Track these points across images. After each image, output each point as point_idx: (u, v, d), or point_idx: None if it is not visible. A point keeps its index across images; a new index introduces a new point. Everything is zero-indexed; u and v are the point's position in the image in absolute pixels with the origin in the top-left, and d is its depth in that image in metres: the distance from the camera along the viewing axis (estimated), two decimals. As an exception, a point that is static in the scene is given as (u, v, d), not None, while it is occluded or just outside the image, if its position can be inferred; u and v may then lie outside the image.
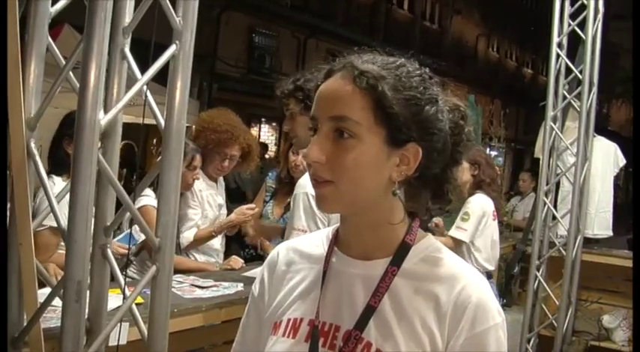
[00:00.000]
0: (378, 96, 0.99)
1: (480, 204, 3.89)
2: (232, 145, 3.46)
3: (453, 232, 3.85)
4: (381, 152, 1.01)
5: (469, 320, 0.99)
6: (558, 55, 4.58)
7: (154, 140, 3.63)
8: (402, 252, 1.06)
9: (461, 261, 1.10)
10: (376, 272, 1.05)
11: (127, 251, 2.70)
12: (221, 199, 3.62)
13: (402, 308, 1.02)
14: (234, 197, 4.77)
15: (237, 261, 3.31)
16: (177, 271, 2.57)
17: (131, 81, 1.69)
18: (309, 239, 1.20)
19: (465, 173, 3.83)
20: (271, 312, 1.14)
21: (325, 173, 1.01)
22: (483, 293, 1.02)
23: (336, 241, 1.13)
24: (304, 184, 2.34)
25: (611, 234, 5.17)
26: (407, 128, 1.01)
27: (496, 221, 4.01)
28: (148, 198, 3.05)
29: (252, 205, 3.51)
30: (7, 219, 1.69)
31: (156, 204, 3.09)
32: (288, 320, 1.11)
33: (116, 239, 2.73)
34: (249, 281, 2.76)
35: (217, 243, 3.57)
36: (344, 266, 1.10)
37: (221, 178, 3.69)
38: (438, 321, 1.00)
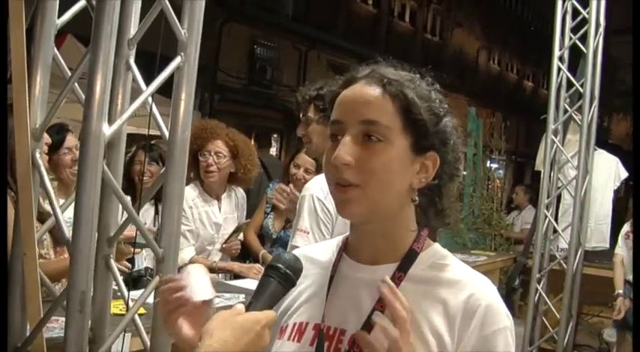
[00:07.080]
0: (407, 103, 1.02)
1: None
2: (212, 140, 3.28)
3: None
4: (406, 158, 1.03)
5: (479, 323, 1.01)
6: (559, 69, 4.60)
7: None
8: (409, 258, 1.07)
9: (467, 267, 1.11)
10: (383, 276, 1.05)
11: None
12: (220, 218, 3.42)
13: (409, 313, 1.02)
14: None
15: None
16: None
17: (135, 92, 1.70)
18: (321, 246, 1.22)
19: None
20: (278, 317, 1.14)
21: (352, 176, 1.01)
22: (492, 298, 1.04)
23: (345, 248, 1.14)
24: (311, 186, 2.34)
25: (607, 246, 5.16)
26: (430, 136, 1.04)
27: None
28: None
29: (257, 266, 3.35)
30: (11, 228, 1.70)
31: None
32: (294, 324, 1.12)
33: None
34: (250, 293, 2.75)
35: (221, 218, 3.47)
36: (351, 271, 1.11)
37: (241, 192, 3.55)
38: (448, 325, 1.01)
